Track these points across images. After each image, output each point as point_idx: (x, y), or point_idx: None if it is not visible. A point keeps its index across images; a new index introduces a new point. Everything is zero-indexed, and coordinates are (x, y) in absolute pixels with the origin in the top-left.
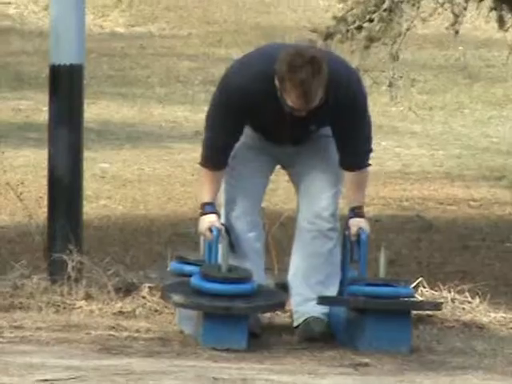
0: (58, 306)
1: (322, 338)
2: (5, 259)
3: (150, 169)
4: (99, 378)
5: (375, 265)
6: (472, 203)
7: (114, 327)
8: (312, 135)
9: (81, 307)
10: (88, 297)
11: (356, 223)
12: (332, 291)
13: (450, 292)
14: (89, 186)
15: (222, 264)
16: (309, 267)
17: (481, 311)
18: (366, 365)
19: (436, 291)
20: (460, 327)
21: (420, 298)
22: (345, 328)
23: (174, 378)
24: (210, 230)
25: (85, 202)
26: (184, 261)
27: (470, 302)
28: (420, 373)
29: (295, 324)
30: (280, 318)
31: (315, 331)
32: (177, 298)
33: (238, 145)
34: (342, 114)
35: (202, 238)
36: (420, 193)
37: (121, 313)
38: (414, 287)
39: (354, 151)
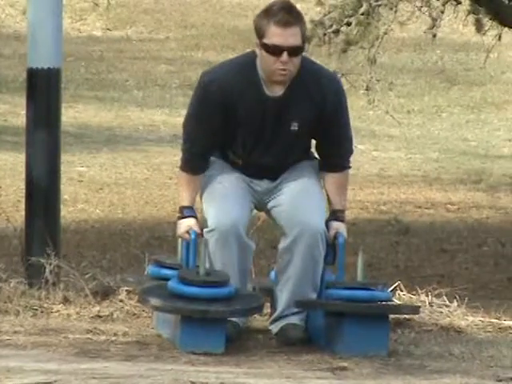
0: (36, 309)
1: (299, 343)
2: None
3: (128, 172)
4: (77, 382)
5: (353, 268)
6: (450, 207)
7: (91, 331)
8: (293, 142)
9: (58, 311)
10: (65, 301)
11: (335, 226)
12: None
13: (427, 296)
14: (66, 189)
15: (200, 268)
16: (297, 282)
17: (458, 315)
18: (344, 368)
19: (414, 295)
20: (438, 331)
21: (398, 302)
22: (323, 332)
23: (151, 381)
24: (188, 233)
25: (62, 206)
26: (161, 264)
27: (447, 306)
28: (398, 377)
29: (274, 330)
30: (257, 321)
31: (292, 337)
32: (154, 301)
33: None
34: (328, 111)
35: (179, 242)
36: (397, 196)
37: (98, 316)
38: (391, 291)
39: (339, 152)
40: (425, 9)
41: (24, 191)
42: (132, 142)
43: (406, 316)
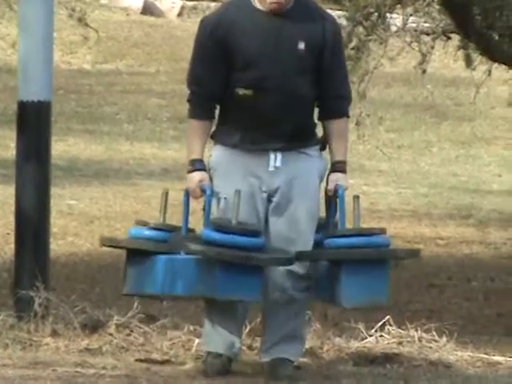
0: (25, 342)
1: (288, 381)
2: None
3: (118, 206)
4: None
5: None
6: (439, 241)
7: (80, 364)
8: (301, 66)
9: (47, 344)
10: (54, 334)
11: (334, 178)
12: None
13: (416, 331)
14: (56, 222)
15: (233, 219)
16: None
17: (447, 350)
18: None
19: (403, 329)
20: (427, 366)
21: (396, 247)
22: (325, 286)
23: None
24: (201, 188)
25: (52, 239)
26: (144, 225)
27: (436, 341)
28: None
29: (263, 360)
30: (247, 355)
31: (282, 375)
32: (194, 246)
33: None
34: (329, 44)
35: (184, 198)
36: (387, 231)
37: (87, 350)
38: (381, 326)
39: (336, 94)
40: (415, 44)
41: (14, 224)
42: (122, 176)
43: (394, 351)
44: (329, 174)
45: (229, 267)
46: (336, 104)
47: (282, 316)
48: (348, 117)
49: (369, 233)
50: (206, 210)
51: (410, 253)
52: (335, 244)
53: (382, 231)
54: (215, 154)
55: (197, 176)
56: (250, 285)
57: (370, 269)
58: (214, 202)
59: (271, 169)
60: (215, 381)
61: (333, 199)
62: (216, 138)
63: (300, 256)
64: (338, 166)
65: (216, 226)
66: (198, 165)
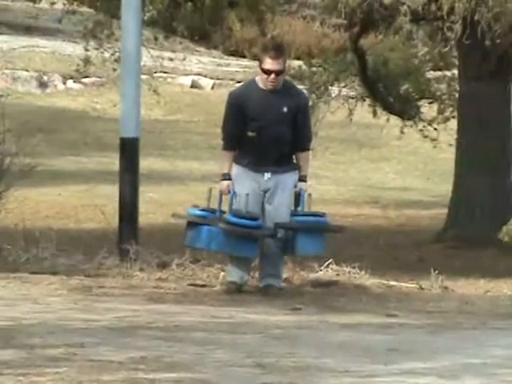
0: (124, 274)
1: (274, 295)
2: (94, 248)
3: (176, 197)
4: (146, 316)
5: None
6: (360, 217)
7: (156, 287)
8: (285, 120)
9: (137, 275)
10: (141, 269)
11: (300, 185)
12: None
13: (347, 267)
14: (141, 206)
15: (243, 209)
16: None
17: (365, 278)
18: (298, 309)
19: (340, 266)
20: (353, 288)
21: (330, 224)
22: (289, 244)
23: (188, 317)
24: (228, 190)
25: (139, 216)
26: (196, 207)
27: (359, 273)
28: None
29: (260, 285)
30: (252, 281)
31: (270, 293)
32: (221, 224)
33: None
34: (301, 108)
35: (218, 194)
36: (331, 211)
37: (160, 279)
38: (327, 265)
39: (304, 136)
40: (345, 104)
41: (118, 207)
42: (178, 180)
43: (334, 280)
44: (298, 181)
45: (239, 237)
46: (303, 143)
47: (269, 259)
48: (309, 150)
49: (315, 214)
50: (230, 202)
51: (337, 228)
52: (296, 220)
53: (323, 214)
54: (235, 170)
55: (225, 183)
56: (251, 247)
57: (314, 235)
58: (234, 198)
59: (265, 179)
60: (232, 296)
61: (298, 197)
62: (236, 160)
63: (278, 225)
64: (302, 178)
65: (234, 213)
66: (226, 176)
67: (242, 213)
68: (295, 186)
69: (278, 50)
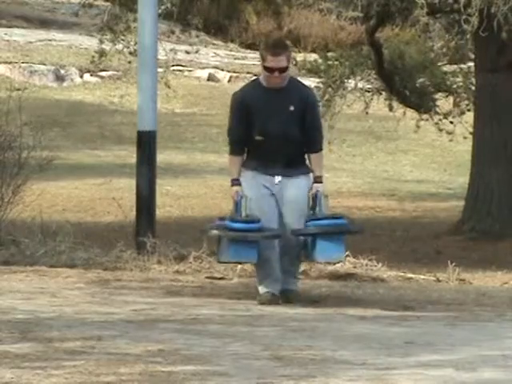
0: (142, 267)
1: (296, 301)
2: (111, 241)
3: (194, 190)
4: (163, 308)
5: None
6: (377, 209)
7: (173, 280)
8: (292, 119)
9: (154, 268)
10: (158, 262)
11: (315, 186)
12: (297, 268)
13: (364, 259)
14: (159, 199)
15: (243, 213)
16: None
17: (382, 270)
18: (316, 301)
19: (357, 259)
20: (370, 280)
21: (349, 226)
22: (308, 250)
23: (205, 308)
24: (237, 194)
25: (156, 209)
26: (222, 218)
27: (376, 266)
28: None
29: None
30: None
31: (291, 298)
32: (219, 232)
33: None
34: (309, 107)
35: (233, 200)
36: (348, 203)
37: (177, 272)
38: (345, 256)
39: (316, 137)
40: (362, 97)
41: (135, 200)
42: (195, 173)
43: (352, 272)
44: (313, 183)
45: (237, 242)
46: (314, 145)
47: (287, 254)
48: (321, 150)
49: (333, 217)
50: (234, 208)
51: (357, 229)
52: (314, 224)
53: (341, 216)
54: (243, 174)
55: (235, 188)
56: (250, 251)
57: (334, 239)
58: (244, 203)
59: (276, 182)
60: (249, 289)
61: (314, 199)
62: (244, 165)
63: (296, 232)
64: (318, 180)
65: (231, 218)
66: (235, 182)
67: (237, 217)
68: (310, 189)
69: (280, 46)
